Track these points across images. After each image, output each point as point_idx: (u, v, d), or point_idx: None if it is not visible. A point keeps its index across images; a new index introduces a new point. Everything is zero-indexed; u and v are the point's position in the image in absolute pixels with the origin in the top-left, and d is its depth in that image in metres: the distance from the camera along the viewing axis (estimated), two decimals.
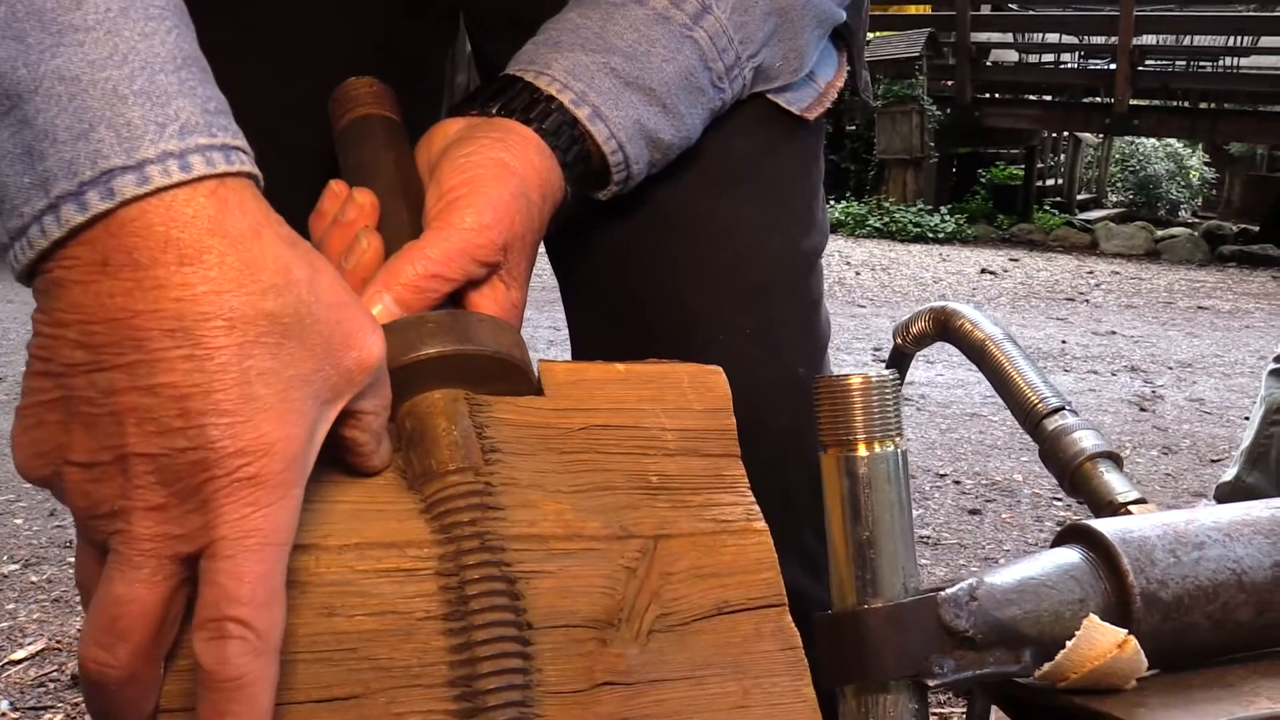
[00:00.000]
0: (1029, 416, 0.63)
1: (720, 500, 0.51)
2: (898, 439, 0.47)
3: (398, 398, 0.48)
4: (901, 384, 0.51)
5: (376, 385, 0.43)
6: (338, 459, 0.45)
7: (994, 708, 0.70)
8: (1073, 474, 0.60)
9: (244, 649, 0.37)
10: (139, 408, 0.37)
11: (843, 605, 0.47)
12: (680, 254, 0.69)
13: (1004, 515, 2.78)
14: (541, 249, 0.62)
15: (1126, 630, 0.47)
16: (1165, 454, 3.44)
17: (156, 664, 0.39)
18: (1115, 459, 0.59)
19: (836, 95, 0.76)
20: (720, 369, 0.54)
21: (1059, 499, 2.90)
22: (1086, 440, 0.60)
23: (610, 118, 0.60)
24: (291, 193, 0.48)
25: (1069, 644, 0.46)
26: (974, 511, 2.79)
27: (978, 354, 0.68)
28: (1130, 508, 0.56)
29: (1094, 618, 0.47)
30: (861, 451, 0.47)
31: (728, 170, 0.70)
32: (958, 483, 3.03)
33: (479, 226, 0.52)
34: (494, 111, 0.59)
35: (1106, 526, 0.50)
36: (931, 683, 0.45)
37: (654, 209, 0.68)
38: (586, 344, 0.75)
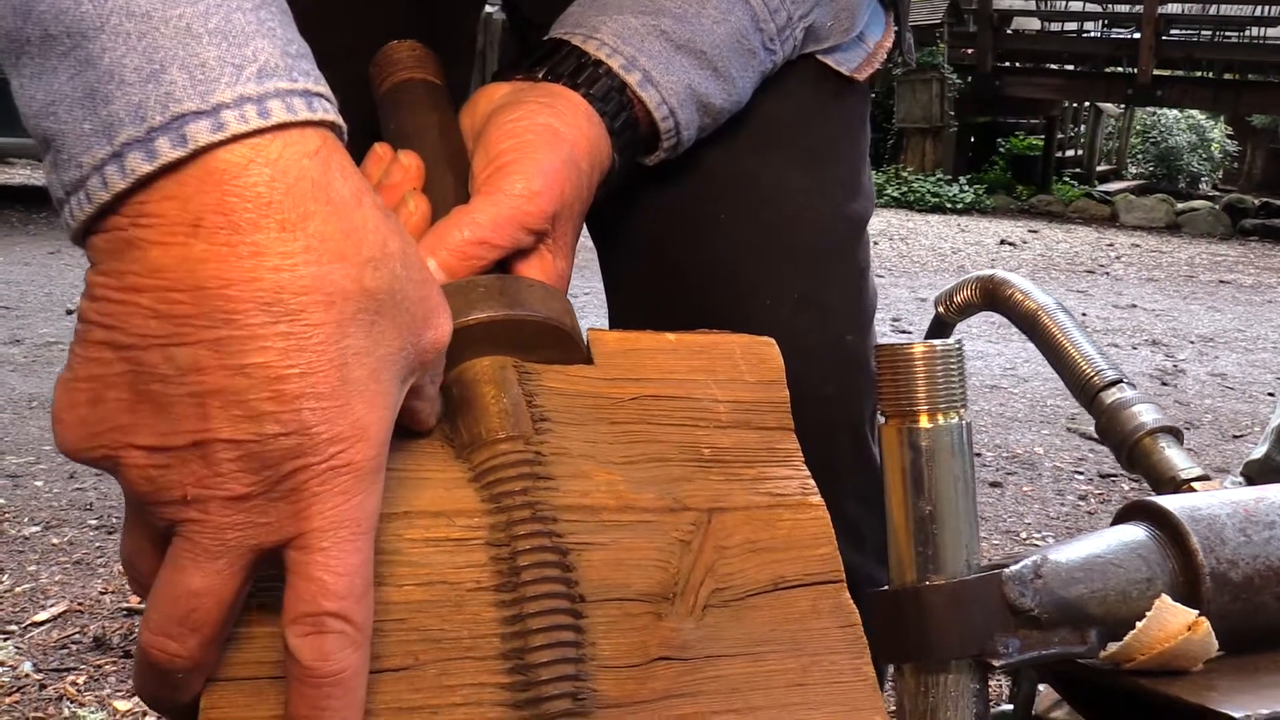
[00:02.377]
0: (1085, 389, 0.61)
1: (775, 474, 0.49)
2: (962, 410, 0.46)
3: (445, 363, 0.47)
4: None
5: (439, 362, 0.42)
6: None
7: (1042, 687, 0.69)
8: (1131, 449, 0.58)
9: (343, 643, 0.35)
10: (226, 389, 0.33)
11: (902, 582, 0.45)
12: (726, 217, 0.67)
13: (1025, 488, 2.76)
14: None
15: (1198, 611, 0.45)
16: (1187, 429, 3.41)
17: (220, 648, 0.37)
18: (1176, 434, 0.58)
19: (885, 56, 0.74)
20: (773, 340, 0.53)
21: (1080, 472, 2.89)
22: (1146, 415, 0.58)
23: (661, 83, 0.58)
24: None
25: (1139, 624, 0.45)
26: (995, 484, 2.77)
27: (1029, 325, 0.67)
28: (1194, 484, 0.54)
29: (1166, 598, 0.45)
30: (924, 423, 0.45)
31: (775, 133, 0.68)
32: (978, 455, 3.02)
33: (529, 194, 0.50)
34: (541, 76, 0.57)
35: (1174, 504, 0.49)
36: (996, 663, 0.44)
37: (699, 171, 0.66)
38: (625, 308, 0.74)
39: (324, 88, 0.37)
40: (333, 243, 0.35)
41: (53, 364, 3.28)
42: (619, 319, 0.74)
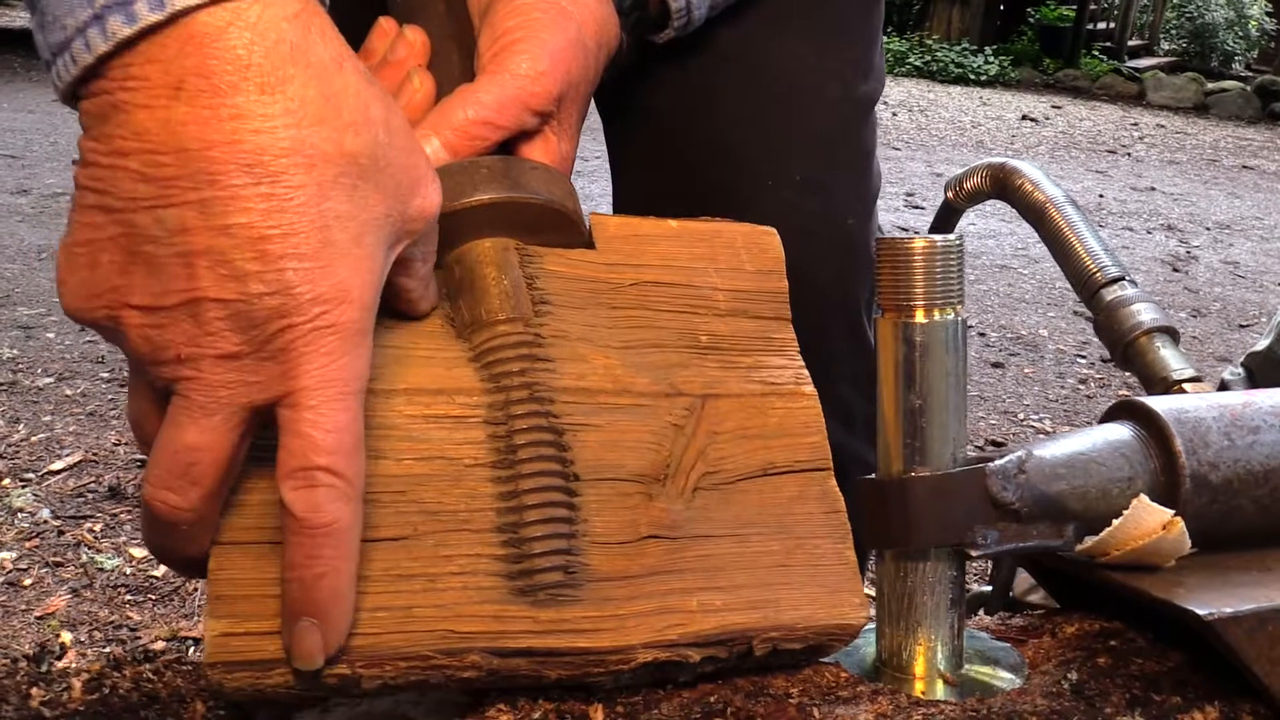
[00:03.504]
0: (1086, 285, 0.61)
1: (769, 362, 0.50)
2: (958, 306, 0.46)
3: (447, 244, 0.47)
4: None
5: (429, 233, 0.42)
6: (383, 305, 0.44)
7: (1021, 572, 0.71)
8: (1126, 347, 0.58)
9: (334, 495, 0.37)
10: (212, 249, 0.35)
11: (889, 472, 0.47)
12: (733, 93, 0.66)
13: (1026, 369, 2.78)
14: None
15: (1174, 511, 0.47)
16: (1194, 316, 3.41)
17: (221, 502, 0.39)
18: (1172, 334, 0.58)
19: None
20: (775, 230, 0.53)
21: (1082, 356, 2.90)
22: (1144, 313, 0.58)
23: None
24: None
25: (1115, 522, 0.46)
26: (997, 364, 2.79)
27: (1036, 216, 0.66)
28: (1185, 386, 0.55)
29: (1144, 497, 0.46)
30: (919, 318, 0.46)
31: (786, 8, 0.67)
32: (982, 335, 3.03)
33: (535, 74, 0.50)
34: None
35: (1161, 405, 0.49)
36: (974, 553, 0.45)
37: (707, 45, 0.65)
38: (628, 184, 0.73)
39: None
40: (312, 106, 0.36)
41: (60, 215, 3.27)
42: (622, 195, 0.73)
